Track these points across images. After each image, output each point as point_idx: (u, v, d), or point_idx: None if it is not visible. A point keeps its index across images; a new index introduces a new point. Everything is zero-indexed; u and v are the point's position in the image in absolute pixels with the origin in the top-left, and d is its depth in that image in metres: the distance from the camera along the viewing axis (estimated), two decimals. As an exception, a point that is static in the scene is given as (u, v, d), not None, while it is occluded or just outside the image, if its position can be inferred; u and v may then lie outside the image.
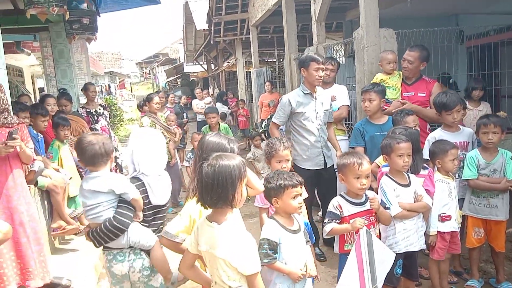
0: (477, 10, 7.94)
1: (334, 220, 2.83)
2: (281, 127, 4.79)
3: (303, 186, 2.54)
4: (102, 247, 2.61)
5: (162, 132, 6.23)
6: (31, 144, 3.55)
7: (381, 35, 5.09)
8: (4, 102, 3.37)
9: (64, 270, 4.15)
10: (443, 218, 3.31)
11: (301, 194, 2.50)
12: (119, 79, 35.72)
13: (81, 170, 5.53)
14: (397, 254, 2.99)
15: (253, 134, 7.75)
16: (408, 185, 3.12)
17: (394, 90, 4.39)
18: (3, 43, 8.70)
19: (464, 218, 3.63)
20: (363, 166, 2.78)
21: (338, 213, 2.84)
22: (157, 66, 36.25)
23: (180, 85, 28.95)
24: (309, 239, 2.67)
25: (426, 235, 3.30)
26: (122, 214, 2.48)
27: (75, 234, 4.62)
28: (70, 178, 4.86)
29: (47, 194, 4.51)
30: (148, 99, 6.26)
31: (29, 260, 3.35)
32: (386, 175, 3.18)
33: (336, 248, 2.96)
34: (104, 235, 2.47)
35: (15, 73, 13.78)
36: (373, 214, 2.87)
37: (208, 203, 1.93)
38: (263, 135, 7.92)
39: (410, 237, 3.07)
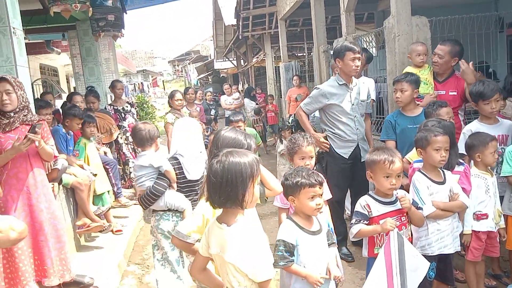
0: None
1: (362, 221, 2.63)
2: (316, 114, 4.63)
3: (323, 187, 2.38)
4: (152, 212, 3.31)
5: None
6: (51, 141, 3.53)
7: (413, 23, 4.83)
8: (24, 100, 3.36)
9: (89, 267, 4.14)
10: (479, 217, 3.06)
11: (320, 195, 2.34)
12: (152, 77, 36.24)
13: (107, 167, 5.56)
14: (430, 256, 2.79)
15: (284, 127, 7.60)
16: (443, 183, 2.89)
17: (425, 84, 4.13)
18: (33, 42, 8.90)
19: (506, 218, 3.36)
20: (395, 164, 2.56)
21: (366, 213, 2.64)
22: (189, 63, 36.55)
23: (211, 82, 29.04)
24: (334, 241, 2.50)
25: (461, 234, 3.07)
26: (158, 184, 3.21)
27: (100, 231, 4.61)
28: (95, 175, 4.88)
29: (72, 192, 4.53)
30: (170, 96, 6.23)
31: (45, 259, 3.33)
32: (419, 171, 2.95)
33: (364, 252, 2.76)
34: (146, 200, 3.21)
35: (50, 72, 14.15)
36: (405, 214, 2.66)
37: (217, 202, 1.81)
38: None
39: (444, 238, 2.85)
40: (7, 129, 3.24)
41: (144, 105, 17.18)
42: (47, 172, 3.64)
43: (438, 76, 4.19)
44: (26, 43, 9.02)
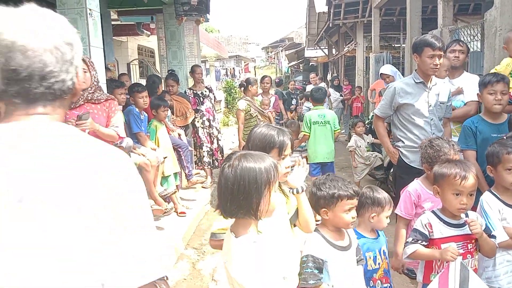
0: None
1: (420, 241, 2.28)
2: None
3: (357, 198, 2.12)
4: None
5: (256, 115, 6.11)
6: (117, 122, 3.60)
7: (520, 16, 4.24)
8: (96, 80, 3.48)
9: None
10: None
11: (355, 207, 2.09)
12: (244, 62, 36.79)
13: (179, 150, 5.67)
14: (496, 291, 2.38)
15: (355, 121, 7.14)
16: None
17: None
18: (125, 24, 9.30)
19: None
20: (468, 180, 2.17)
21: (427, 233, 2.28)
22: (282, 50, 36.47)
23: (302, 70, 28.69)
24: (362, 258, 2.22)
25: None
26: None
27: (163, 213, 4.70)
28: (165, 157, 4.98)
29: (140, 171, 4.66)
30: (248, 82, 6.16)
31: None
32: (490, 191, 2.52)
33: (419, 276, 2.41)
34: None
35: (147, 54, 14.91)
36: (473, 241, 2.26)
37: (228, 211, 1.62)
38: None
39: (516, 271, 2.41)
40: (71, 106, 3.35)
41: (232, 90, 17.45)
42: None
43: None
44: (119, 25, 9.51)
